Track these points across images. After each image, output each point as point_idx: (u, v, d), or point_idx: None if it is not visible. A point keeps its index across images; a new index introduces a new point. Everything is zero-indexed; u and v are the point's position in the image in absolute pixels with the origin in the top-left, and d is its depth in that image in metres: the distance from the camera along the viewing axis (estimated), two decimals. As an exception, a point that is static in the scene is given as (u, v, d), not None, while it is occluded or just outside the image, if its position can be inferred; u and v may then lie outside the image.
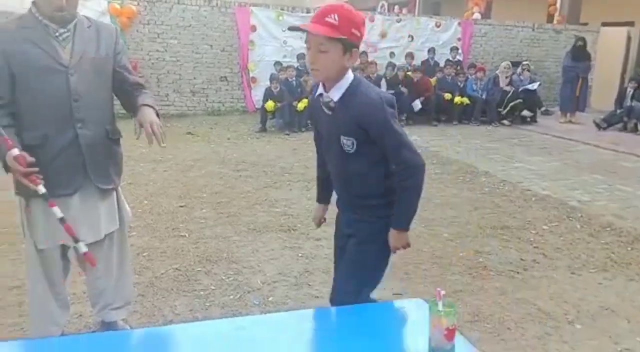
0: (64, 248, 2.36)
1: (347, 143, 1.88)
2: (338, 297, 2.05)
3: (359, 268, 2.02)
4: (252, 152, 7.17)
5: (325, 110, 1.92)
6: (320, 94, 1.92)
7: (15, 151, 1.97)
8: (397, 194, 1.91)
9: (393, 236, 1.95)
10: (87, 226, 2.29)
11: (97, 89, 2.26)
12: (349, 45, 1.80)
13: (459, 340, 1.41)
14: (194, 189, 5.24)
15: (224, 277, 3.32)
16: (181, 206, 4.70)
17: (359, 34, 1.82)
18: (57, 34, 2.15)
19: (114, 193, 2.43)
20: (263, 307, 2.99)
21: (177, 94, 10.31)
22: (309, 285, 3.27)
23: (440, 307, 1.39)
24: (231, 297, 3.08)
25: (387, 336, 1.51)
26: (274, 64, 10.02)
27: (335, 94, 1.86)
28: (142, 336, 1.68)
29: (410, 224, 1.96)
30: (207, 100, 10.53)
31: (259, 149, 7.38)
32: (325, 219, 2.30)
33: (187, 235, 4.02)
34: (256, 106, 10.18)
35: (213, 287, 3.18)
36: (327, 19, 1.76)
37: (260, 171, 6.07)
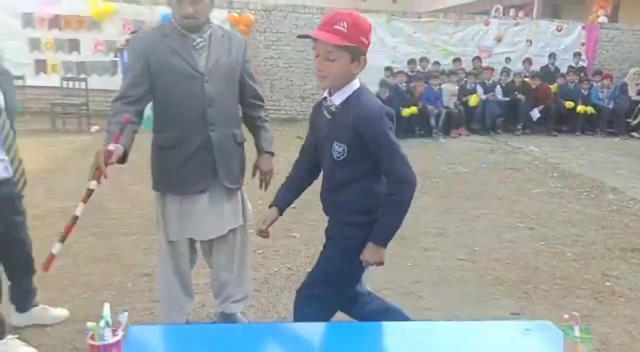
0: (192, 241, 2.52)
1: (338, 150, 1.85)
2: (302, 296, 2.02)
3: (326, 281, 1.97)
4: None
5: (326, 114, 1.89)
6: (325, 98, 1.90)
7: (111, 146, 2.01)
8: (383, 207, 1.84)
9: (369, 249, 1.86)
10: (212, 222, 2.43)
11: (228, 95, 2.39)
12: (357, 53, 1.77)
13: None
14: (305, 192, 5.35)
15: (334, 281, 3.36)
16: (293, 208, 4.81)
17: (366, 42, 1.79)
18: (194, 43, 2.30)
19: (239, 192, 2.57)
20: (373, 314, 2.98)
21: (288, 99, 10.67)
22: (419, 296, 3.21)
23: (576, 332, 1.31)
24: (341, 301, 3.11)
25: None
26: (385, 69, 10.02)
27: (337, 99, 1.84)
28: (261, 331, 1.75)
29: (389, 241, 1.87)
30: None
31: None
32: (268, 233, 2.16)
33: (298, 236, 4.13)
34: (364, 112, 10.22)
35: (324, 290, 3.23)
36: (336, 26, 1.73)
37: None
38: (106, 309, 1.26)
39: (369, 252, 1.86)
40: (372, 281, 3.38)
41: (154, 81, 2.28)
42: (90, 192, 2.00)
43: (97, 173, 1.98)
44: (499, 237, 4.23)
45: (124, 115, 2.14)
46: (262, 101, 2.59)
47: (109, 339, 1.22)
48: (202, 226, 2.41)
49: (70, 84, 8.83)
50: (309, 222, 4.45)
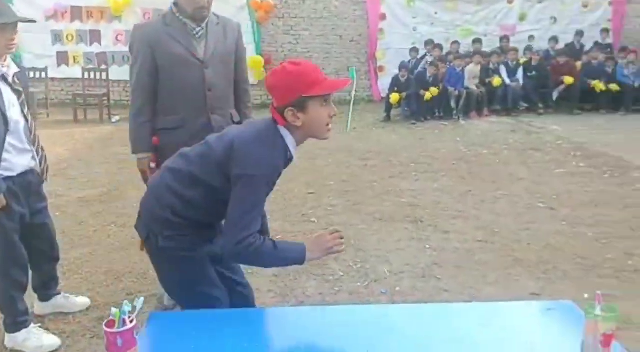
0: None
1: None
2: None
3: None
4: (377, 141, 7.17)
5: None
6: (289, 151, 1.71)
7: (153, 164, 2.54)
8: None
9: None
10: None
11: (225, 79, 2.58)
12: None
13: (615, 347, 1.30)
14: (322, 177, 5.39)
15: (351, 264, 3.38)
16: (310, 193, 4.87)
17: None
18: (194, 31, 2.48)
19: None
20: (390, 297, 2.99)
21: (306, 85, 10.62)
22: (437, 278, 3.21)
23: (597, 310, 1.29)
24: (359, 284, 3.13)
25: (533, 338, 1.43)
26: (410, 51, 9.87)
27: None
28: (279, 315, 1.77)
29: None
30: (334, 90, 10.71)
31: (384, 139, 7.36)
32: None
33: (316, 221, 4.16)
34: (382, 95, 10.15)
35: (341, 273, 3.26)
36: None
37: (386, 161, 6.05)
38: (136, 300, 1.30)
39: None
40: (390, 264, 3.39)
41: (158, 68, 2.46)
42: None
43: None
44: (519, 218, 4.18)
45: (154, 138, 2.52)
46: (249, 85, 2.78)
47: (125, 325, 1.26)
48: None
49: (92, 74, 8.95)
50: (327, 207, 4.47)
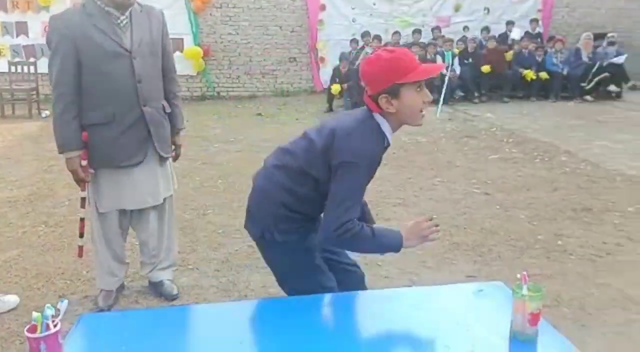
0: (123, 211, 2.63)
1: None
2: None
3: None
4: (321, 132, 7.18)
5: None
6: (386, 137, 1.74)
7: (84, 162, 2.44)
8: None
9: None
10: (149, 192, 2.57)
11: (154, 70, 2.51)
12: None
13: (542, 325, 1.36)
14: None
15: (295, 255, 3.37)
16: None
17: None
18: (118, 21, 2.37)
19: (168, 162, 2.70)
20: (333, 286, 3.01)
21: (247, 76, 10.51)
22: (378, 265, 3.25)
23: (524, 290, 1.35)
24: (302, 274, 3.13)
25: (465, 318, 1.47)
26: (351, 42, 9.91)
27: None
28: (220, 310, 1.74)
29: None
30: (276, 81, 10.65)
31: (328, 129, 7.38)
32: None
33: (259, 213, 4.12)
34: (324, 86, 10.19)
35: (285, 265, 3.25)
36: None
37: (330, 151, 6.07)
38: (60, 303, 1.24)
39: None
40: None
41: (82, 60, 2.33)
42: (83, 199, 2.61)
43: (82, 185, 2.52)
44: (456, 204, 4.31)
45: (83, 133, 2.40)
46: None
47: (48, 330, 1.19)
48: (138, 196, 2.54)
49: (19, 68, 8.48)
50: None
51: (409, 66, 1.63)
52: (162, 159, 2.60)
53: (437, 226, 1.75)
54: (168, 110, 2.61)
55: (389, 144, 1.73)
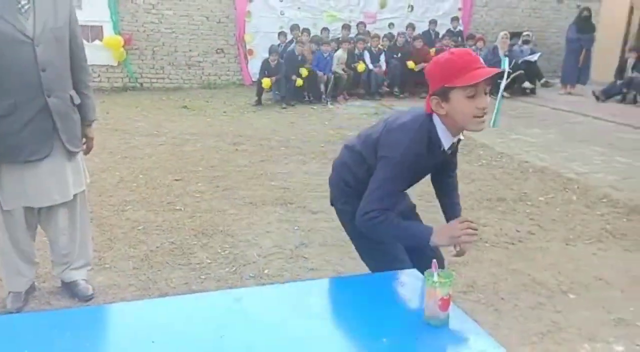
0: (31, 208, 2.49)
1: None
2: None
3: None
4: (248, 125, 7.12)
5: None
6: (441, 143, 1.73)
7: None
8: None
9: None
10: (56, 188, 2.43)
11: (60, 58, 2.37)
12: None
13: (453, 310, 1.41)
14: (190, 163, 5.22)
15: (219, 251, 3.32)
16: (177, 180, 4.69)
17: None
18: (19, 5, 2.22)
19: (78, 156, 2.56)
20: (259, 280, 3.00)
21: (172, 67, 10.19)
22: (305, 258, 3.27)
23: (435, 278, 1.39)
24: (227, 270, 3.09)
25: (382, 306, 1.51)
26: (279, 35, 9.83)
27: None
28: (137, 308, 1.67)
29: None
30: (202, 73, 10.41)
31: (256, 123, 7.33)
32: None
33: (182, 209, 4.01)
34: (253, 79, 10.08)
35: (209, 261, 3.19)
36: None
37: (257, 145, 6.03)
38: None
39: None
40: (260, 247, 3.40)
41: None
42: None
43: None
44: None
45: None
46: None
47: None
48: (44, 193, 2.40)
49: None
50: (194, 194, 4.34)
51: (460, 70, 1.58)
52: (71, 153, 2.46)
53: (475, 229, 1.68)
54: (77, 101, 2.47)
55: (442, 147, 1.70)
